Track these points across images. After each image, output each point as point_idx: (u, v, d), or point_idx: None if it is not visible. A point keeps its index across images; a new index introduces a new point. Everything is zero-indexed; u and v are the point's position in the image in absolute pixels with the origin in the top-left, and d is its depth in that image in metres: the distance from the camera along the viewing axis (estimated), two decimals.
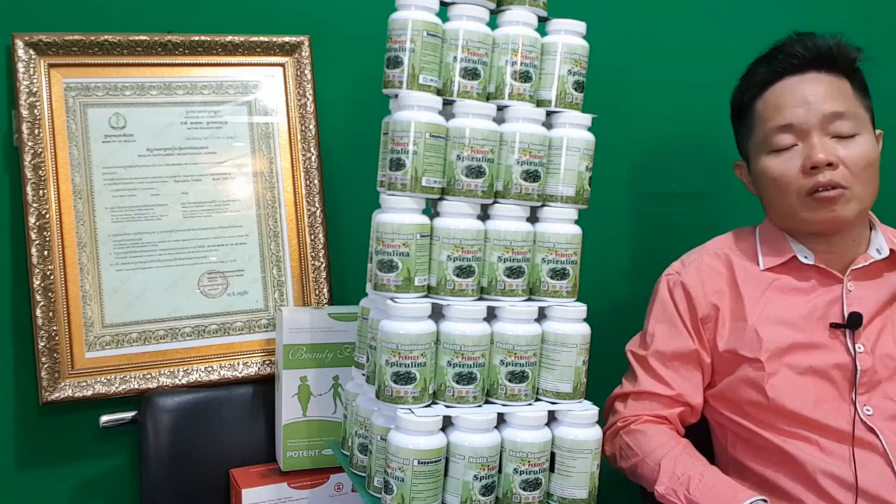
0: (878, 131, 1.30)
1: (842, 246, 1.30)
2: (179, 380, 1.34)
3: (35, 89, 1.30)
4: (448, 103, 1.08)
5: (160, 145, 1.37)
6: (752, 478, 1.27)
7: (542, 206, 1.10)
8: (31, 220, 1.29)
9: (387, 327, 1.02)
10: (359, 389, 1.15)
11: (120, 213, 1.34)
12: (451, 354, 1.03)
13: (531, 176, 1.07)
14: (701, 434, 1.36)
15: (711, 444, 1.38)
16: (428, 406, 1.03)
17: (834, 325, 1.26)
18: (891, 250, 1.30)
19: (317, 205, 1.44)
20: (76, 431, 1.37)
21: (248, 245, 1.41)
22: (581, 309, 1.08)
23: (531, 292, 1.09)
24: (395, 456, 0.99)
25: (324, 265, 1.44)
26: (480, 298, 1.07)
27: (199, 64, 1.40)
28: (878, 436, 1.20)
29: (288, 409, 1.29)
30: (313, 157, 1.44)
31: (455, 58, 1.07)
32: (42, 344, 1.28)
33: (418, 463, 0.99)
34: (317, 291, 1.43)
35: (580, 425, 1.06)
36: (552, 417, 1.07)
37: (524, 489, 1.03)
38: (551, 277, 1.08)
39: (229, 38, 1.40)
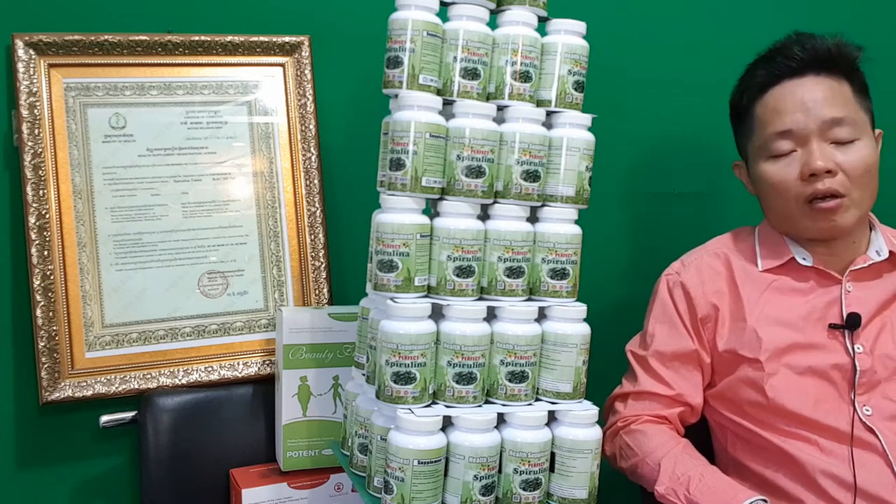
0: (877, 131, 1.30)
1: (841, 248, 1.30)
2: (179, 380, 1.34)
3: (35, 89, 1.30)
4: (448, 103, 1.08)
5: (160, 145, 1.37)
6: (752, 478, 1.27)
7: (542, 206, 1.10)
8: (31, 220, 1.29)
9: (387, 327, 1.02)
10: (359, 389, 1.15)
11: (120, 213, 1.34)
12: (451, 354, 1.03)
13: (531, 176, 1.07)
14: (701, 434, 1.36)
15: (711, 444, 1.38)
16: (428, 406, 1.03)
17: (833, 326, 1.26)
18: (890, 252, 1.30)
19: (317, 205, 1.44)
20: (76, 431, 1.38)
21: (248, 245, 1.41)
22: (581, 309, 1.08)
23: (531, 292, 1.09)
24: (395, 456, 0.99)
25: (324, 265, 1.44)
26: (480, 298, 1.07)
27: (199, 64, 1.40)
28: (877, 436, 1.20)
29: (288, 409, 1.29)
30: (313, 157, 1.44)
31: (455, 58, 1.07)
32: (42, 344, 1.28)
33: (418, 463, 0.99)
34: (317, 291, 1.43)
35: (580, 425, 1.06)
36: (552, 417, 1.07)
37: (524, 489, 1.03)
38: (551, 277, 1.08)
39: (229, 38, 1.40)
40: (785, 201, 1.27)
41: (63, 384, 1.30)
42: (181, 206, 1.37)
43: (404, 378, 1.01)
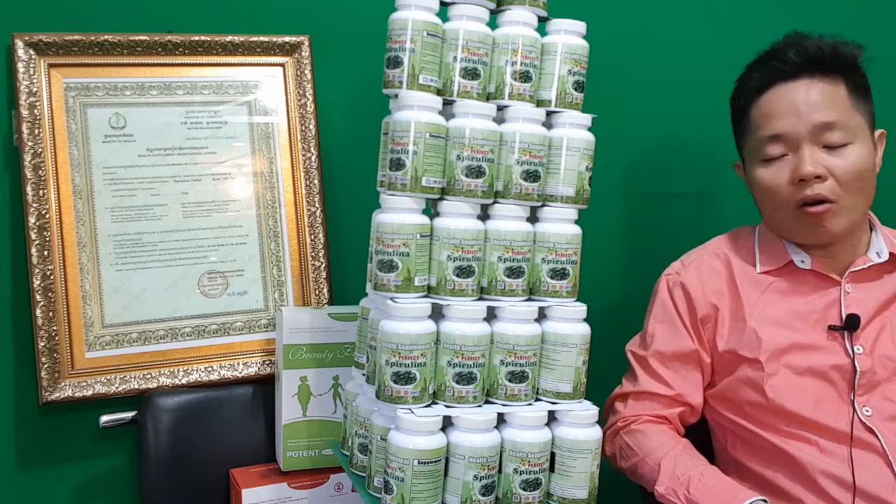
0: (879, 131, 1.29)
1: (839, 250, 1.29)
2: (179, 380, 1.34)
3: (35, 89, 1.30)
4: (448, 103, 1.08)
5: (160, 145, 1.37)
6: (752, 478, 1.27)
7: (542, 206, 1.10)
8: (31, 220, 1.29)
9: (387, 327, 1.02)
10: (359, 389, 1.15)
11: (120, 213, 1.34)
12: (451, 354, 1.03)
13: (531, 176, 1.07)
14: (701, 434, 1.36)
15: (711, 444, 1.38)
16: (428, 406, 1.03)
17: (832, 328, 1.25)
18: (891, 254, 1.29)
19: (317, 205, 1.44)
20: (76, 431, 1.37)
21: (248, 245, 1.41)
22: (581, 309, 1.08)
23: (531, 292, 1.09)
24: (395, 456, 0.99)
25: (324, 265, 1.44)
26: (480, 298, 1.07)
27: (199, 64, 1.40)
28: (877, 436, 1.20)
29: (288, 409, 1.29)
30: (313, 157, 1.44)
31: (455, 58, 1.07)
32: (42, 344, 1.28)
33: (418, 463, 0.99)
34: (317, 291, 1.43)
35: (580, 425, 1.06)
36: (552, 417, 1.07)
37: (524, 489, 1.03)
38: (551, 277, 1.08)
39: (229, 38, 1.40)
40: (777, 205, 1.27)
41: (63, 384, 1.30)
42: (181, 206, 1.37)
43: (404, 378, 1.01)
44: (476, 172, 1.05)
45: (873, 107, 1.29)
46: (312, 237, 1.44)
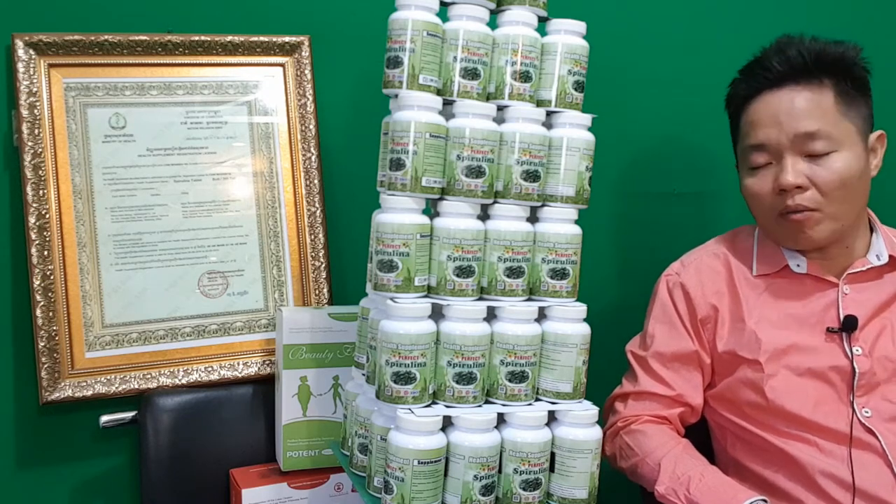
0: (878, 132, 1.28)
1: (835, 253, 1.29)
2: (179, 380, 1.34)
3: (35, 89, 1.30)
4: (448, 103, 1.08)
5: (160, 145, 1.37)
6: (752, 478, 1.27)
7: (542, 206, 1.10)
8: (31, 220, 1.29)
9: (387, 327, 1.02)
10: (359, 389, 1.15)
11: (120, 213, 1.34)
12: (451, 354, 1.03)
13: (531, 176, 1.07)
14: (701, 434, 1.36)
15: (711, 445, 1.38)
16: (428, 406, 1.03)
17: (830, 330, 1.25)
18: (890, 256, 1.29)
19: (317, 205, 1.44)
20: (76, 431, 1.38)
21: (248, 245, 1.41)
22: (581, 309, 1.08)
23: (531, 292, 1.09)
24: (395, 456, 0.99)
25: (324, 265, 1.44)
26: (480, 298, 1.07)
27: (199, 64, 1.40)
28: (877, 437, 1.20)
29: (288, 409, 1.29)
30: (313, 157, 1.44)
31: (455, 58, 1.07)
32: (42, 344, 1.28)
33: (418, 463, 0.99)
34: (317, 291, 1.43)
35: (580, 425, 1.06)
36: (552, 417, 1.07)
37: (524, 489, 1.03)
38: (551, 277, 1.08)
39: (229, 38, 1.40)
40: (761, 212, 1.28)
41: (63, 384, 1.30)
42: (181, 206, 1.37)
43: (404, 378, 1.01)
44: (476, 172, 1.05)
45: (871, 108, 1.27)
46: (312, 237, 1.44)
